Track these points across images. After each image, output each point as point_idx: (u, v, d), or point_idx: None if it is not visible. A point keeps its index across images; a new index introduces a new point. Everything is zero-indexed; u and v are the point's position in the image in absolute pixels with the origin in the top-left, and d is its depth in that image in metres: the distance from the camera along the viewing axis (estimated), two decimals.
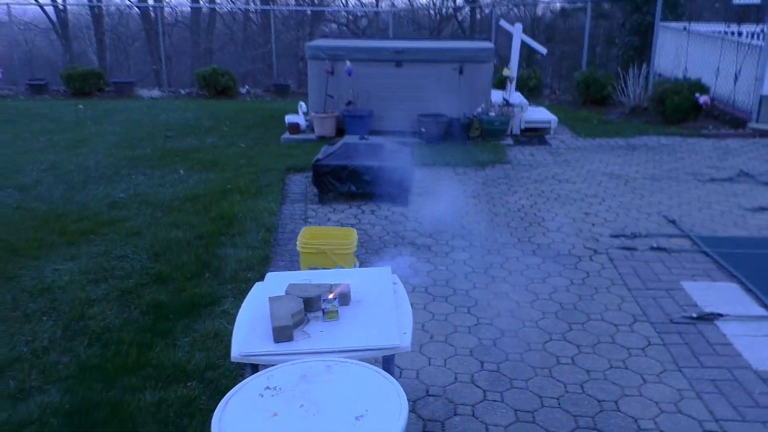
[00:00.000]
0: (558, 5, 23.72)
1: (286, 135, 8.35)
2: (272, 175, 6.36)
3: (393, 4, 27.13)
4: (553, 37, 23.37)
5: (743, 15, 13.29)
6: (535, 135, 8.74)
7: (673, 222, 5.12)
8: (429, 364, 3.06)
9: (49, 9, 23.34)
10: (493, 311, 3.60)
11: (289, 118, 8.47)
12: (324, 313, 2.33)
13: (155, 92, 13.89)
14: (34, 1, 23.82)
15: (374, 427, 1.76)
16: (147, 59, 23.27)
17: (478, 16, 25.43)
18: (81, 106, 11.54)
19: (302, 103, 8.65)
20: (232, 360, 2.17)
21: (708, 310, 3.60)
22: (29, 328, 3.32)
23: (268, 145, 7.91)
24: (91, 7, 23.10)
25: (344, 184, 5.52)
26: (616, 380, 2.95)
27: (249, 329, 2.29)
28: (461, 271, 4.16)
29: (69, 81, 13.06)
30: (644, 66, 11.07)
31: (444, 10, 25.80)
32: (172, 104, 11.94)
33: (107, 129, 9.11)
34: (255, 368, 2.15)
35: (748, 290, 3.86)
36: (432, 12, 25.75)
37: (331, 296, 2.32)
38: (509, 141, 8.29)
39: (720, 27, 9.65)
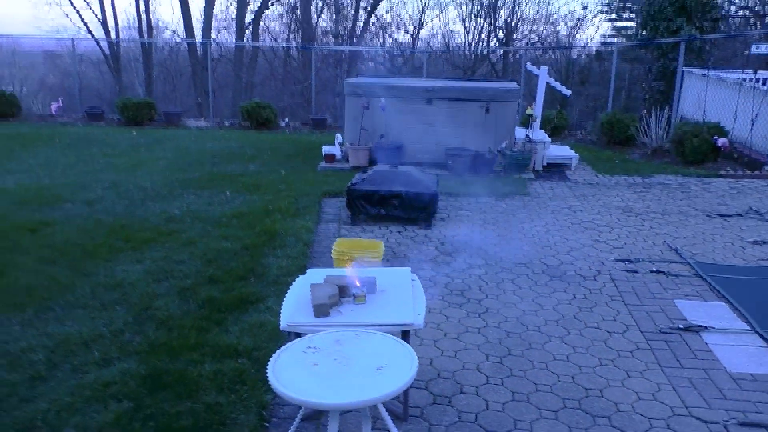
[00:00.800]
0: (594, 49, 24.36)
1: (323, 164, 9.03)
2: (309, 199, 6.99)
3: (429, 45, 28.18)
4: (587, 80, 23.96)
5: None
6: (556, 171, 9.24)
7: (675, 250, 5.55)
8: (441, 355, 3.57)
9: (103, 43, 24.90)
10: (501, 317, 4.10)
11: (326, 149, 9.16)
12: (354, 297, 2.88)
13: (201, 122, 14.81)
14: (90, 36, 25.45)
15: (391, 375, 2.29)
16: (191, 92, 24.58)
17: (511, 57, 26.25)
18: (134, 133, 12.46)
19: (338, 135, 9.34)
20: (281, 329, 2.73)
21: (695, 323, 4.04)
22: (106, 314, 3.93)
23: (306, 173, 8.57)
24: (143, 43, 24.60)
25: (374, 207, 6.11)
26: (603, 374, 3.41)
27: (294, 307, 2.85)
28: (476, 284, 4.67)
29: (124, 110, 14.07)
30: (666, 109, 11.56)
31: (479, 52, 26.65)
32: (217, 134, 12.79)
33: (159, 154, 9.92)
34: (297, 336, 2.70)
35: (735, 309, 4.29)
36: (467, 53, 26.63)
37: (357, 283, 2.87)
38: (531, 175, 8.81)
39: (738, 73, 10.10)
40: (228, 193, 7.27)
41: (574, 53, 26.09)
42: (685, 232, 6.16)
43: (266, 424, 2.88)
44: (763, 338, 3.84)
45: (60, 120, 14.43)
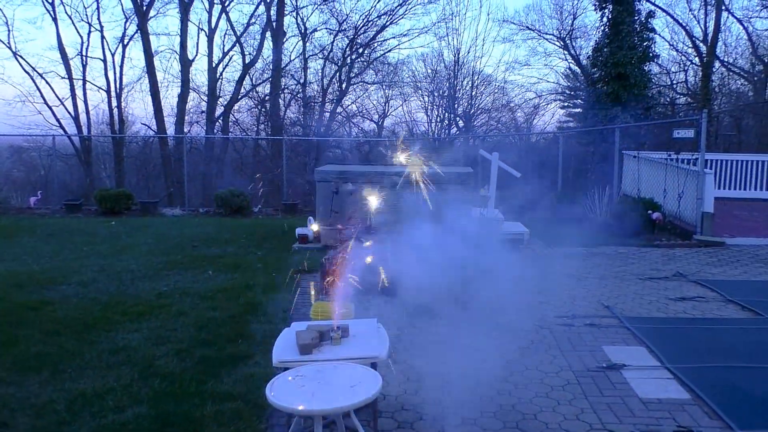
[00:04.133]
0: (551, 135, 26.22)
1: (296, 244, 9.79)
2: (286, 275, 7.70)
3: (393, 132, 29.87)
4: (547, 162, 25.66)
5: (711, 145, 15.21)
6: (510, 244, 10.15)
7: (607, 307, 6.39)
8: (405, 393, 4.25)
9: (75, 138, 25.77)
10: (455, 364, 4.81)
11: (299, 230, 9.95)
12: (332, 339, 3.60)
13: (177, 210, 15.53)
14: (63, 133, 26.25)
15: (362, 390, 3.00)
16: (161, 181, 25.39)
17: (471, 143, 27.96)
18: (113, 222, 13.09)
19: (311, 218, 10.17)
20: (273, 365, 3.42)
21: (616, 362, 4.81)
22: (114, 372, 4.53)
23: (281, 253, 9.32)
24: (114, 138, 25.60)
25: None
26: (538, 404, 4.12)
27: (283, 348, 3.55)
28: (434, 339, 5.39)
29: (101, 201, 14.74)
30: (608, 187, 12.79)
31: (441, 139, 28.36)
32: (194, 221, 13.51)
33: (141, 240, 10.56)
34: (287, 370, 3.38)
35: (652, 351, 5.08)
36: (431, 140, 28.30)
37: (335, 328, 3.60)
38: None
39: (664, 154, 11.41)
40: (210, 272, 7.94)
41: (533, 138, 28.04)
42: (618, 293, 7.02)
43: None
44: (670, 371, 4.62)
45: (38, 212, 14.99)
